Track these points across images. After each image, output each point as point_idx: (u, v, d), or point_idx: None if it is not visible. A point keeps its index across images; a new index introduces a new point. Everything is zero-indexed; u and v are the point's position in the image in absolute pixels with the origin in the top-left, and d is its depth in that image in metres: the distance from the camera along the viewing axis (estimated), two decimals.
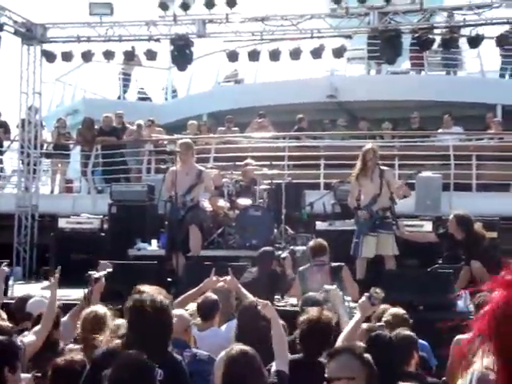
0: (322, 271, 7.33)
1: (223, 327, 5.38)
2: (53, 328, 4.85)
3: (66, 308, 5.76)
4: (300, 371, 3.99)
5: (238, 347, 3.71)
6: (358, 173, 8.90)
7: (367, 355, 3.26)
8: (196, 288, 5.91)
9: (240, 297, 5.95)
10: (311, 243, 7.78)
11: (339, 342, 4.07)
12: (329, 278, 7.19)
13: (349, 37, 12.52)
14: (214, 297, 5.55)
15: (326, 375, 3.11)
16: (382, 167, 9.10)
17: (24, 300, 5.79)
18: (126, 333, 3.70)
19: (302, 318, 4.38)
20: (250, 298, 5.79)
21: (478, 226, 8.36)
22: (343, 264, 7.44)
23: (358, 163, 8.94)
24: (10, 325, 4.54)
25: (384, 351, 3.95)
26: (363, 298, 4.36)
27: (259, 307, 4.12)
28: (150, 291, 3.94)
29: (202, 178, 9.37)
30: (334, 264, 7.38)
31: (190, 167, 9.40)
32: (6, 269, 6.67)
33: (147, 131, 14.35)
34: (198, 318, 5.47)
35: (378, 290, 4.34)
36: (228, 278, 5.91)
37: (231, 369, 3.60)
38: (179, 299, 5.88)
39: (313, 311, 4.41)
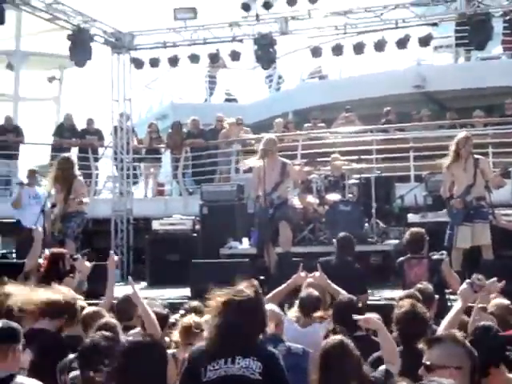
0: (421, 264, 7.12)
1: (323, 324, 5.35)
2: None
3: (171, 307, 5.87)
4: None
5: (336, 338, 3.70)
6: (451, 162, 8.64)
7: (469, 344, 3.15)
8: (285, 284, 5.91)
9: (331, 292, 5.89)
10: (408, 234, 7.42)
11: (440, 331, 3.96)
12: (427, 271, 7.00)
13: (435, 24, 12.20)
14: (317, 293, 5.53)
15: (426, 362, 3.01)
16: (477, 156, 8.81)
17: (126, 300, 5.96)
18: (218, 324, 3.72)
19: (400, 309, 4.30)
20: (343, 292, 5.74)
21: None
22: (443, 257, 7.19)
23: (451, 152, 8.67)
24: (115, 321, 4.68)
25: (492, 342, 3.79)
26: (464, 285, 4.20)
27: (360, 323, 4.01)
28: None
29: (287, 171, 9.29)
30: (434, 257, 7.15)
31: (275, 162, 9.33)
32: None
33: (236, 129, 14.49)
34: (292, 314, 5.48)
35: (480, 277, 4.17)
36: (317, 273, 5.87)
37: (327, 358, 3.60)
38: (270, 295, 5.90)
39: (408, 302, 4.33)
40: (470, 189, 8.55)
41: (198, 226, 11.25)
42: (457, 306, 4.20)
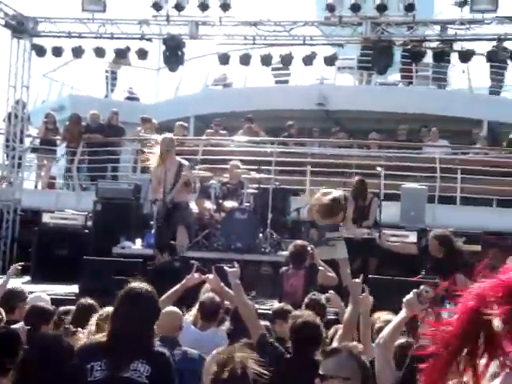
0: (297, 275, 7.38)
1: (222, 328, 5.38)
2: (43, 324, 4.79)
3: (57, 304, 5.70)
4: (291, 369, 3.98)
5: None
6: None
7: (364, 357, 3.26)
8: (178, 285, 5.91)
9: (225, 297, 5.91)
10: (291, 246, 7.80)
11: (379, 339, 4.04)
12: (303, 281, 7.27)
13: (341, 45, 12.60)
14: (218, 299, 5.57)
15: (320, 372, 3.10)
16: None
17: (10, 293, 5.75)
18: (111, 324, 3.64)
19: (295, 320, 4.37)
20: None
21: (458, 245, 8.41)
22: (319, 268, 7.52)
23: None
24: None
25: None
26: (411, 295, 4.14)
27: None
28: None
29: (182, 173, 9.37)
30: (308, 267, 7.45)
31: (172, 162, 9.38)
32: None
33: (141, 127, 14.32)
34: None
35: (428, 289, 4.14)
36: (210, 276, 5.88)
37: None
38: (164, 296, 5.86)
39: (304, 313, 4.41)
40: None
41: (90, 223, 10.98)
42: (400, 315, 4.18)
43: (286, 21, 12.22)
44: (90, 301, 5.00)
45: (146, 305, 3.62)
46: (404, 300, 4.23)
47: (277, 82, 17.10)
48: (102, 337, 3.66)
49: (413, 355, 3.92)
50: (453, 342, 1.77)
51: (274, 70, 14.66)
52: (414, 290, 4.19)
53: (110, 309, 3.98)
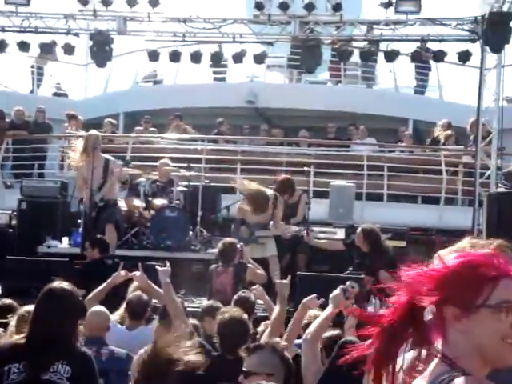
0: (227, 272, 7.42)
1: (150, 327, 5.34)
2: None
3: None
4: (218, 367, 3.99)
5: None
6: None
7: (287, 353, 3.29)
8: (105, 283, 5.87)
9: (153, 295, 5.88)
10: (220, 244, 7.82)
11: (306, 334, 4.06)
12: (232, 279, 7.30)
13: (270, 44, 12.68)
14: (146, 297, 5.54)
15: (244, 369, 3.11)
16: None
17: None
18: (30, 325, 3.56)
19: (222, 316, 4.38)
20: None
21: (383, 241, 8.61)
22: (248, 265, 7.58)
23: None
24: None
25: None
26: (337, 291, 4.23)
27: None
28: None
29: (111, 169, 9.28)
30: (237, 265, 7.50)
31: (98, 160, 9.26)
32: None
33: (69, 123, 14.04)
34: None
35: (354, 284, 4.22)
36: (137, 273, 5.83)
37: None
38: (90, 295, 5.81)
39: (231, 309, 4.43)
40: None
41: (14, 222, 10.71)
42: (327, 310, 4.25)
43: (215, 18, 12.20)
44: (7, 301, 4.86)
45: (65, 304, 3.55)
46: (330, 296, 4.32)
47: (215, 79, 17.11)
48: (20, 338, 3.57)
49: (340, 346, 4.02)
50: (386, 333, 1.80)
51: (211, 66, 14.64)
52: (341, 286, 4.28)
53: (29, 308, 3.89)
